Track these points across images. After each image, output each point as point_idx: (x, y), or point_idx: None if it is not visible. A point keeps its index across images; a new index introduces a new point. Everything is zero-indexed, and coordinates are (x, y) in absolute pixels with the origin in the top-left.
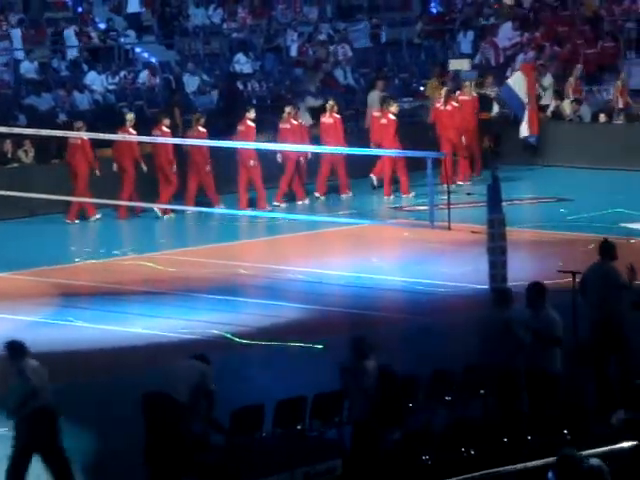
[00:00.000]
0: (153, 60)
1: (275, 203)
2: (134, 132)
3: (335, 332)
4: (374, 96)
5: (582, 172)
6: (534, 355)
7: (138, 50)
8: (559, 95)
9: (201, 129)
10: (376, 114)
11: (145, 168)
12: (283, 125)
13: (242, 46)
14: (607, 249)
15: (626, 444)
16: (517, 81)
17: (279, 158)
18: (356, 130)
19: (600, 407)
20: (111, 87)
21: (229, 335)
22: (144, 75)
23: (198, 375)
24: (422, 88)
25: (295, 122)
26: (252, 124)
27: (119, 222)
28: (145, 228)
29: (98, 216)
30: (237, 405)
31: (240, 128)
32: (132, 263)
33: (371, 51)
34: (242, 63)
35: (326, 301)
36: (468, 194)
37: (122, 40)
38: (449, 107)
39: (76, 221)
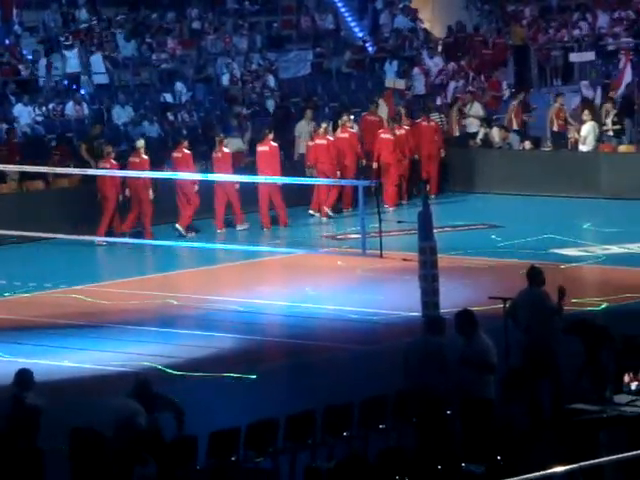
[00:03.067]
0: (82, 91)
1: (219, 231)
2: (145, 157)
3: (268, 362)
4: (303, 125)
5: (512, 199)
6: (467, 382)
7: (66, 82)
8: (488, 123)
9: (273, 143)
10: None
11: (128, 195)
12: (215, 154)
13: (172, 77)
14: (535, 275)
15: (558, 469)
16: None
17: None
18: (285, 159)
19: (532, 432)
20: (39, 119)
21: (161, 367)
22: (70, 106)
23: (129, 413)
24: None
25: (226, 150)
26: (188, 151)
27: (52, 252)
28: (80, 258)
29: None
30: (170, 437)
31: (176, 155)
32: (63, 296)
33: (301, 80)
34: (174, 93)
35: (259, 331)
36: (399, 222)
37: (50, 72)
38: (390, 135)
39: (104, 243)
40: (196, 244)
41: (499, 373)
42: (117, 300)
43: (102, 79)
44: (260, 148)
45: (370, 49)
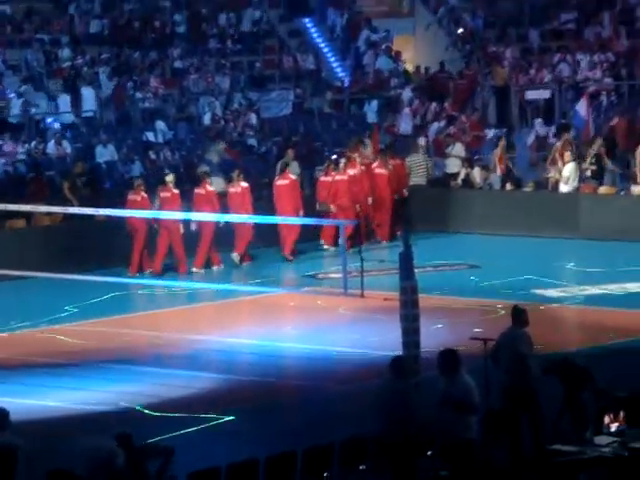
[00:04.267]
0: (64, 130)
1: (194, 269)
2: (176, 192)
3: (248, 402)
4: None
5: (493, 239)
6: (449, 422)
7: (49, 120)
8: (469, 163)
9: (244, 183)
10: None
11: (156, 227)
12: (198, 190)
13: (155, 115)
14: (517, 315)
15: None
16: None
17: (193, 226)
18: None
19: (512, 472)
20: (22, 157)
21: (140, 407)
22: (52, 145)
23: (105, 454)
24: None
25: (210, 188)
26: (176, 190)
27: (33, 291)
28: (61, 297)
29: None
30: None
31: (165, 195)
32: (44, 335)
33: (283, 120)
34: (158, 131)
35: (239, 370)
36: (381, 261)
37: (33, 110)
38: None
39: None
40: (177, 283)
41: (480, 413)
42: (96, 339)
43: (84, 117)
44: (231, 189)
45: (351, 89)
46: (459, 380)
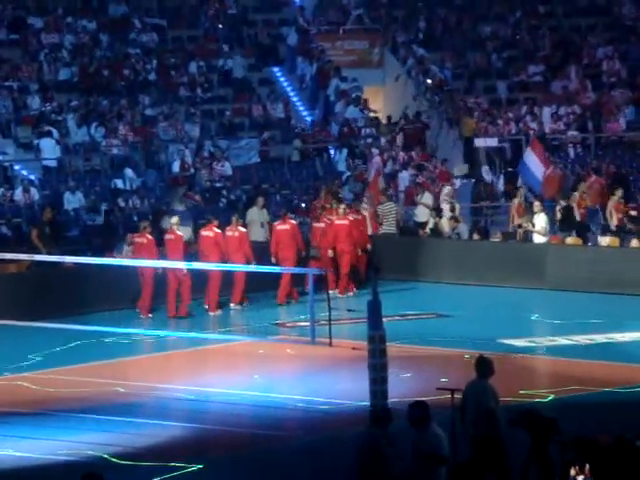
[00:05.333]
0: (32, 177)
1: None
2: (180, 234)
3: (215, 451)
4: (254, 213)
5: (461, 289)
6: (419, 474)
7: (17, 167)
8: (438, 213)
9: (241, 228)
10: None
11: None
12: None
13: (124, 162)
14: (480, 365)
15: None
16: (529, 158)
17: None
18: None
19: None
20: None
21: (107, 456)
22: (19, 192)
23: None
24: (303, 205)
25: (179, 233)
26: (179, 232)
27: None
28: (27, 344)
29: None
30: None
31: (140, 240)
32: (8, 383)
33: (253, 168)
34: (131, 178)
35: (207, 419)
36: (349, 310)
37: (0, 157)
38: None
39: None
40: (145, 331)
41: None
42: (63, 388)
43: (52, 164)
44: (204, 233)
45: (320, 138)
46: (429, 432)
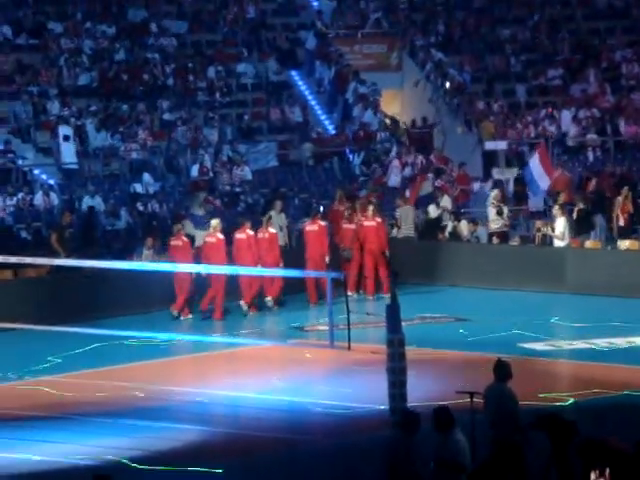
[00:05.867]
0: (51, 182)
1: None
2: (221, 237)
3: (235, 455)
4: (273, 216)
5: (480, 292)
6: None
7: (37, 172)
8: (456, 217)
9: (272, 229)
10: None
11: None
12: (175, 242)
13: (142, 167)
14: (499, 369)
15: None
16: (534, 164)
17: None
18: None
19: None
20: (9, 209)
21: (126, 460)
22: (39, 196)
23: None
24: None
25: (185, 239)
26: (221, 235)
27: (17, 343)
28: (46, 349)
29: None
30: None
31: (176, 243)
32: (27, 388)
33: (271, 172)
34: (149, 183)
35: (226, 423)
36: (368, 314)
37: (20, 162)
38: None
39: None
40: (161, 335)
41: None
42: (83, 391)
43: (72, 168)
44: (208, 239)
45: (338, 141)
46: (452, 439)
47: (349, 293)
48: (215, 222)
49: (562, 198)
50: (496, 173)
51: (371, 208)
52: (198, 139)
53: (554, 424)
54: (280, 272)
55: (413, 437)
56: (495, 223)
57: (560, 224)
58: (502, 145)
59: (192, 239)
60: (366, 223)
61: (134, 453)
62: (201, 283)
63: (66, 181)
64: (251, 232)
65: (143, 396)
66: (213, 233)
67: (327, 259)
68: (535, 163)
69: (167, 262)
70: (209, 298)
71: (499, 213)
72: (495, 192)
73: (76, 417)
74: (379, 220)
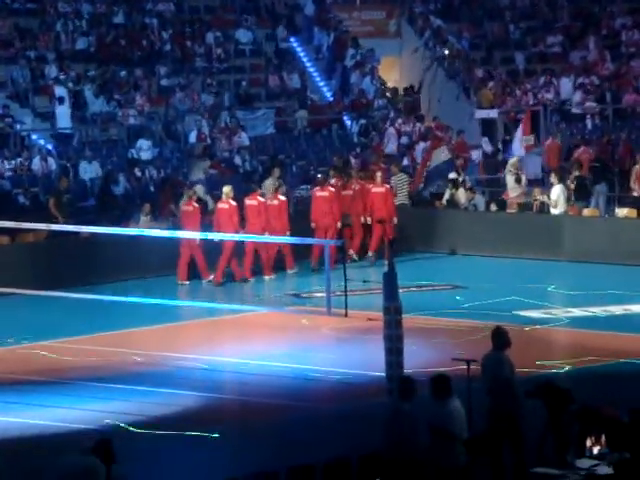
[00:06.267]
0: (49, 147)
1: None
2: (234, 204)
3: (231, 420)
4: (269, 183)
5: (477, 260)
6: (436, 449)
7: (35, 137)
8: (454, 184)
9: (282, 197)
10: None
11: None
12: (186, 207)
13: (140, 133)
14: (497, 337)
15: None
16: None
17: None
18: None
19: None
20: (7, 173)
21: (124, 424)
22: (37, 161)
23: (82, 473)
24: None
25: (196, 205)
26: (233, 202)
27: (15, 308)
28: (44, 314)
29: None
30: None
31: (187, 208)
32: (26, 352)
33: (268, 139)
34: (143, 149)
35: (222, 389)
36: (364, 281)
37: (18, 127)
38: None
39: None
40: (158, 301)
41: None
42: (80, 357)
43: (67, 133)
44: (220, 205)
45: (336, 108)
46: (447, 406)
47: (355, 258)
48: (227, 189)
49: (515, 163)
50: (485, 143)
51: (379, 175)
52: (196, 105)
53: (550, 392)
54: (284, 239)
55: (410, 403)
56: (514, 191)
57: (555, 192)
58: (493, 113)
59: (205, 204)
60: (374, 190)
61: (132, 417)
62: (213, 248)
63: (63, 147)
64: (262, 199)
65: (141, 361)
66: (225, 199)
67: (339, 224)
68: (519, 131)
69: (168, 228)
70: (233, 265)
71: (517, 181)
72: (513, 160)
73: (73, 382)
74: (387, 187)
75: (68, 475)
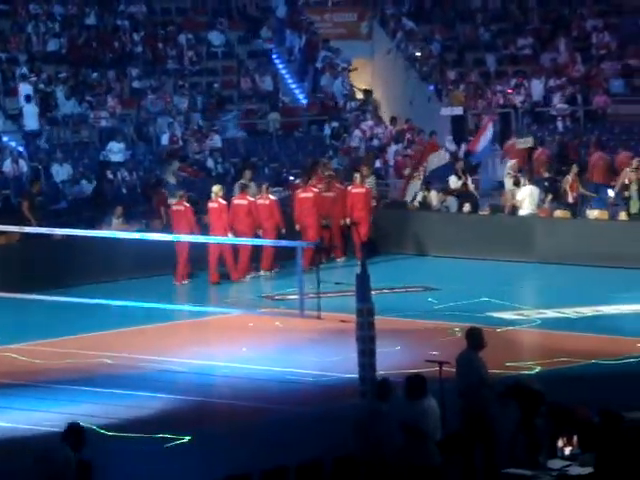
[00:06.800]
0: (21, 149)
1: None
2: (223, 202)
3: (203, 423)
4: (241, 186)
5: (449, 262)
6: (409, 448)
7: (5, 139)
8: (427, 186)
9: (271, 196)
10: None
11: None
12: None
13: (111, 135)
14: (471, 337)
15: None
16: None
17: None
18: None
19: None
20: None
21: (94, 427)
22: (8, 163)
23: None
24: (292, 178)
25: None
26: (223, 201)
27: None
28: (15, 316)
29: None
30: None
31: (178, 208)
32: None
33: (241, 141)
34: (114, 152)
35: (195, 392)
36: (337, 283)
37: None
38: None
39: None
40: (130, 303)
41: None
42: (51, 359)
43: (39, 136)
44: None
45: (308, 111)
46: (420, 406)
47: (340, 259)
48: (217, 188)
49: (514, 166)
50: (448, 142)
51: (359, 176)
52: (168, 107)
53: (521, 393)
54: (261, 242)
55: (387, 404)
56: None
57: (521, 193)
58: (458, 110)
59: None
60: (354, 190)
61: (102, 420)
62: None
63: (33, 148)
64: (252, 198)
65: (112, 364)
66: (215, 198)
67: (323, 222)
68: (486, 130)
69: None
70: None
71: (516, 184)
72: (512, 162)
73: (44, 384)
74: (367, 187)
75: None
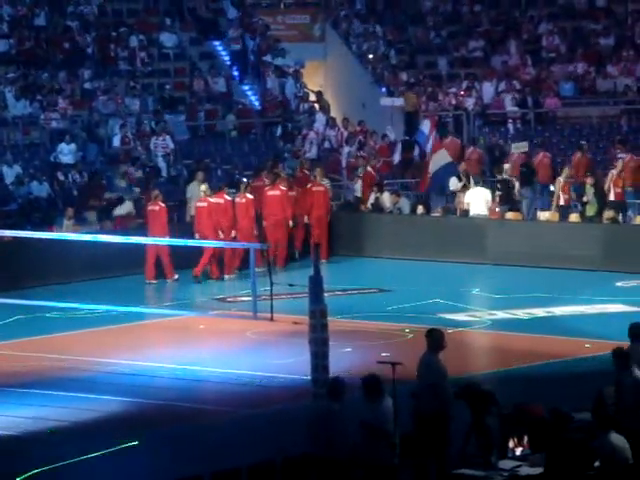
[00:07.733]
0: None
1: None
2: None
3: (153, 426)
4: (194, 187)
5: (402, 263)
6: (368, 447)
7: None
8: (379, 187)
9: (249, 195)
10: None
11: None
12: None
13: (62, 136)
14: (430, 339)
15: None
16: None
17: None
18: (177, 221)
19: None
20: None
21: (43, 430)
22: None
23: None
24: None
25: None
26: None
27: None
28: None
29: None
30: None
31: (153, 208)
32: None
33: (193, 142)
34: (65, 153)
35: (146, 394)
36: (290, 285)
37: None
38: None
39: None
40: (86, 306)
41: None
42: (3, 363)
43: None
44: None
45: (261, 113)
46: (379, 406)
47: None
48: (204, 186)
49: (462, 167)
50: (389, 132)
51: (319, 173)
52: (119, 108)
53: (473, 394)
54: (194, 243)
55: (339, 404)
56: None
57: (467, 195)
58: (398, 101)
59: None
60: (314, 188)
61: (51, 424)
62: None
63: None
64: (229, 197)
65: (63, 367)
66: (204, 197)
67: (291, 223)
68: (426, 127)
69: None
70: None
71: (464, 187)
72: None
73: None
74: (326, 185)
75: None
